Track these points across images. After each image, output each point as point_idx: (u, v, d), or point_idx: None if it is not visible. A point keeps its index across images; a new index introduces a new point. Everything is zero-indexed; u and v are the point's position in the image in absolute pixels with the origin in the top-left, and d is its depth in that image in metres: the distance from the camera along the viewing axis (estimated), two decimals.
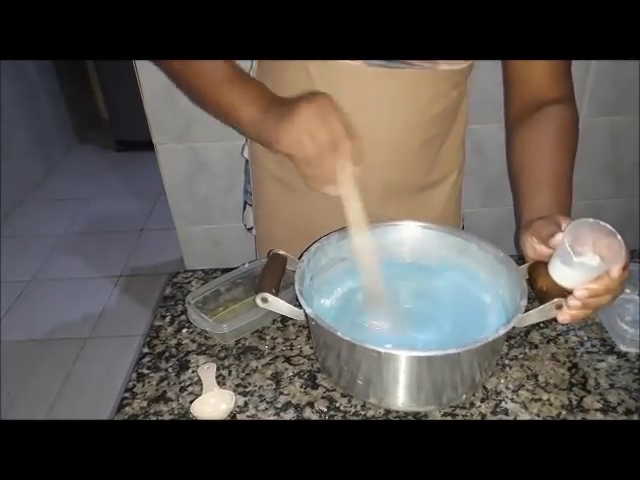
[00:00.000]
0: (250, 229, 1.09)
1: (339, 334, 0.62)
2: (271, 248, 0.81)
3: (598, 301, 0.62)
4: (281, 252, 0.78)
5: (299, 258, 0.75)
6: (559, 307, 0.65)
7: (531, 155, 0.79)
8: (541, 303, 0.66)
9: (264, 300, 0.69)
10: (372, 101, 0.79)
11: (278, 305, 0.70)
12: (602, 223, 0.62)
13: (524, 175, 0.79)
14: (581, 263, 0.61)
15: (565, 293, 0.66)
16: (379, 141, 0.82)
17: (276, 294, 0.70)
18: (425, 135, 0.85)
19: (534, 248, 0.69)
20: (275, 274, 0.74)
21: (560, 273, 0.64)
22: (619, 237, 0.60)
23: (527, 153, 0.80)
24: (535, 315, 0.66)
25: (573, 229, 0.62)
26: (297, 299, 0.68)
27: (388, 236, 0.82)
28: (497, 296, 0.75)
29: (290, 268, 0.77)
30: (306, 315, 0.69)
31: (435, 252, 0.82)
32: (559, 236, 0.63)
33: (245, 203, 1.09)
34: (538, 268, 0.70)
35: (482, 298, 0.77)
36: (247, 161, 1.02)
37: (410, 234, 0.82)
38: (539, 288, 0.69)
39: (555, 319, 0.64)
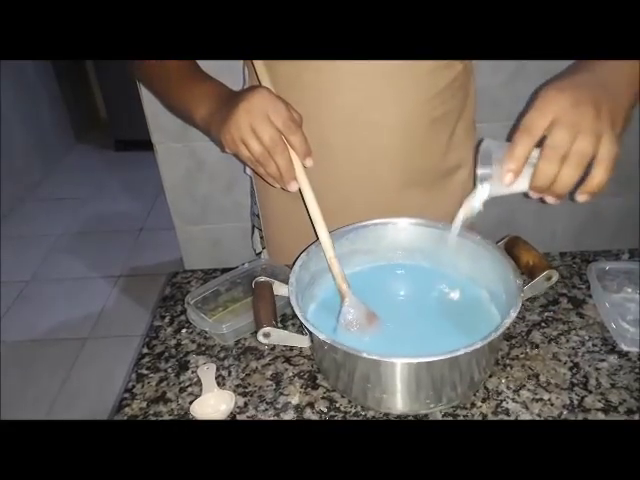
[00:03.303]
0: (259, 254, 1.06)
1: (365, 355, 0.59)
2: (281, 258, 0.78)
3: (562, 179, 0.59)
4: (263, 279, 0.76)
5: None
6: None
7: None
8: (530, 278, 0.67)
9: (266, 335, 0.68)
10: (374, 78, 0.78)
11: (282, 336, 0.69)
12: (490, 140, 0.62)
13: None
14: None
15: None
16: (389, 123, 0.82)
17: (276, 325, 0.69)
18: (433, 112, 0.84)
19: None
20: (268, 304, 0.73)
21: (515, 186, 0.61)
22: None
23: None
24: (529, 291, 0.67)
25: (486, 152, 0.61)
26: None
27: (369, 235, 0.81)
28: (482, 279, 0.75)
29: (276, 293, 0.76)
30: (311, 337, 0.69)
31: (414, 245, 0.81)
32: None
33: (253, 227, 1.06)
34: (517, 244, 0.70)
35: (468, 284, 0.77)
36: (252, 180, 0.99)
37: (388, 232, 0.81)
38: (525, 263, 0.69)
39: (554, 319, 0.65)
